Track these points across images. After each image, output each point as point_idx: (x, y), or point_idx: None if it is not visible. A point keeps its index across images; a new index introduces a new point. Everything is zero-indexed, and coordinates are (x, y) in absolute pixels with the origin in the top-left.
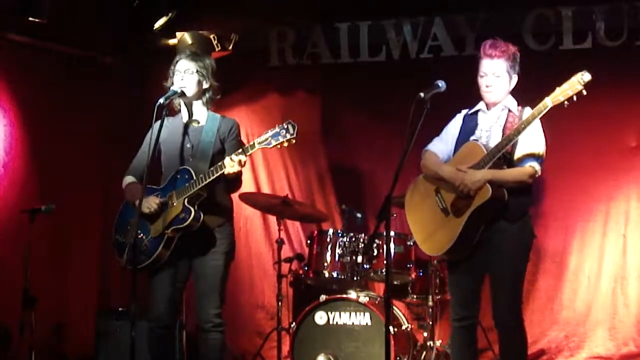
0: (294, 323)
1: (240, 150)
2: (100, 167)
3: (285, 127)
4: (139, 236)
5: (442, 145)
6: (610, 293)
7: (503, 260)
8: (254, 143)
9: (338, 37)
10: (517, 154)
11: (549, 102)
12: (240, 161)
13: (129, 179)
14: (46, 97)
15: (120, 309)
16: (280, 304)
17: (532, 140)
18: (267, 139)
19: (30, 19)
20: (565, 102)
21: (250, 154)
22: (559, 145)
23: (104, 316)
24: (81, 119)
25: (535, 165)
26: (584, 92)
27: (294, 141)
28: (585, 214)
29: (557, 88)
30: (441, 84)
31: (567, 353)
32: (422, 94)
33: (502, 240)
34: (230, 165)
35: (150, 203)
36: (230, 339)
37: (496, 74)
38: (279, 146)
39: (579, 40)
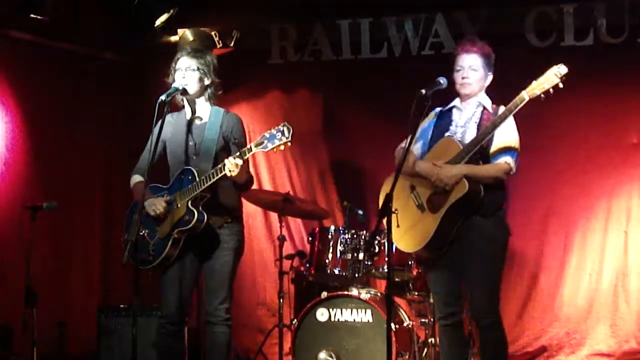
0: (295, 320)
1: (237, 154)
2: (102, 163)
3: (281, 129)
4: (142, 233)
5: (416, 143)
6: (612, 290)
7: (478, 259)
8: (250, 147)
9: (339, 33)
10: (493, 148)
11: (525, 95)
12: (237, 165)
13: (136, 177)
14: (47, 94)
15: (122, 305)
16: (281, 300)
17: (506, 134)
18: (263, 143)
19: (32, 16)
20: (542, 95)
21: (247, 158)
22: (559, 142)
23: (106, 313)
24: (82, 116)
25: (510, 161)
26: (561, 85)
27: (289, 144)
28: (587, 211)
29: (534, 81)
30: (443, 80)
31: (568, 350)
32: (423, 91)
33: (478, 238)
34: (228, 169)
35: (157, 206)
36: (232, 335)
37: (472, 67)
38: (275, 150)
39: (581, 37)
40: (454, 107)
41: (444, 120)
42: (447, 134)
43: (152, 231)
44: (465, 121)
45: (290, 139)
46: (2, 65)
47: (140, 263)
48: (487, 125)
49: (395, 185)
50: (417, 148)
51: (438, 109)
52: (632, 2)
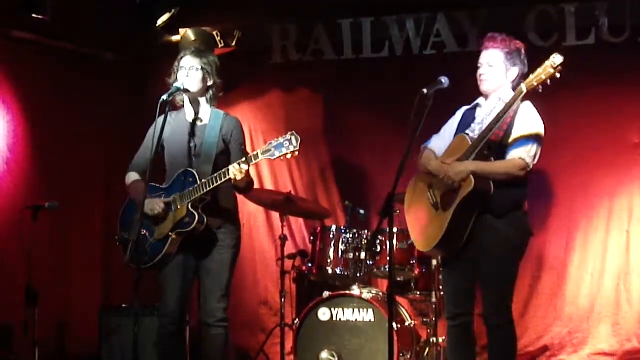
0: (297, 319)
1: (243, 159)
2: (103, 163)
3: (289, 138)
4: (143, 233)
5: (441, 141)
6: (614, 289)
7: (490, 261)
8: (257, 153)
9: (341, 33)
10: (511, 138)
11: (523, 87)
12: (241, 170)
13: (133, 175)
14: (49, 94)
15: (123, 305)
16: (283, 300)
17: (524, 125)
18: (270, 150)
19: (34, 16)
20: (540, 87)
21: (254, 164)
22: (561, 141)
23: (107, 313)
24: (84, 116)
25: (524, 155)
26: (558, 75)
27: (297, 153)
28: (589, 211)
29: (531, 74)
30: (444, 80)
31: (570, 349)
32: (425, 90)
33: (490, 239)
34: (233, 174)
35: (155, 206)
36: (233, 335)
37: (490, 64)
38: (282, 158)
39: (582, 36)
40: (477, 104)
41: (469, 119)
42: (467, 130)
43: (150, 231)
44: (483, 117)
45: (298, 148)
46: (3, 65)
47: (137, 263)
48: (492, 120)
49: (397, 185)
50: (441, 148)
51: (464, 107)
52: (633, 1)
